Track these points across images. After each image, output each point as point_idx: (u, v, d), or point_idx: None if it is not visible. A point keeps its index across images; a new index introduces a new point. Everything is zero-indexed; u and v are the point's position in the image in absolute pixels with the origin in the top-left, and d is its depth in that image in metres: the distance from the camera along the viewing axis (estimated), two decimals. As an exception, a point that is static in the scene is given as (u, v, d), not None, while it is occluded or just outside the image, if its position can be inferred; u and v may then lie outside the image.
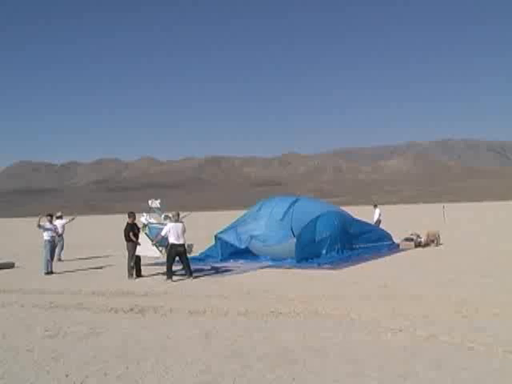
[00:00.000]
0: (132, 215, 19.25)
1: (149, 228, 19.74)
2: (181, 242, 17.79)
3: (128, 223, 19.26)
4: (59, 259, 25.08)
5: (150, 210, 21.07)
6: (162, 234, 18.01)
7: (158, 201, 21.27)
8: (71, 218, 27.60)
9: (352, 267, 19.71)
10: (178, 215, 18.33)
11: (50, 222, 22.20)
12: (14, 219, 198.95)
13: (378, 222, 33.40)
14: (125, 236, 19.23)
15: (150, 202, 21.36)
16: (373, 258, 22.27)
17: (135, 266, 19.03)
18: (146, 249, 18.90)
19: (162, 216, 20.39)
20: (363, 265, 20.40)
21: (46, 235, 21.37)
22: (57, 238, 24.03)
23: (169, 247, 18.10)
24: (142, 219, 20.14)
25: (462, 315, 11.17)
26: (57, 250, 24.80)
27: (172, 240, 17.75)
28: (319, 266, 19.93)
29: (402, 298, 13.13)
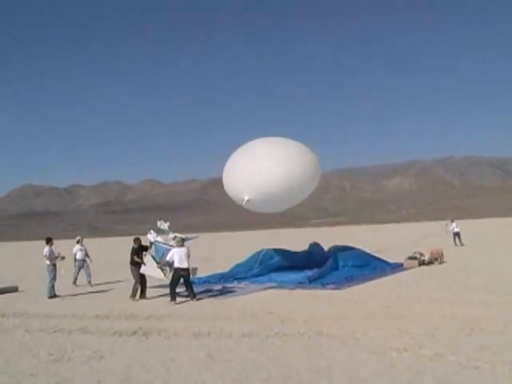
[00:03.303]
0: (138, 241, 19.58)
1: (155, 246, 20.12)
2: (185, 266, 17.94)
3: (133, 247, 19.59)
4: (89, 283, 24.82)
5: (158, 231, 21.22)
6: (167, 258, 18.31)
7: (168, 223, 21.47)
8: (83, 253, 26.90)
9: (356, 287, 19.64)
10: (183, 240, 18.55)
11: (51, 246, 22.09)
12: (18, 243, 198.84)
13: (457, 234, 39.84)
14: (130, 259, 19.53)
15: (158, 223, 21.57)
16: (377, 278, 22.19)
17: (140, 286, 19.27)
18: (151, 269, 19.20)
19: (170, 235, 20.58)
20: (367, 284, 20.33)
21: (48, 260, 21.33)
22: (80, 263, 24.30)
23: (173, 271, 18.25)
24: (149, 236, 20.41)
25: (467, 333, 11.13)
26: (81, 276, 24.84)
27: (176, 264, 17.92)
28: (323, 286, 19.87)
29: (407, 317, 13.09)
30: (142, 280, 19.33)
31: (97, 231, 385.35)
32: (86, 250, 25.59)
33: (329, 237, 66.95)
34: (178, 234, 19.75)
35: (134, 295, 19.09)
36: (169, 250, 18.75)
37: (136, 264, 19.30)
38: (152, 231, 20.68)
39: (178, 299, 17.88)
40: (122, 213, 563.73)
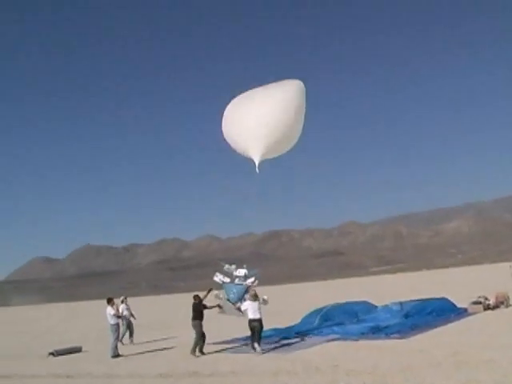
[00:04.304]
0: (197, 297, 20.40)
1: (225, 287, 21.28)
2: (257, 317, 19.12)
3: (195, 303, 20.24)
4: (131, 342, 25.14)
5: (223, 273, 21.94)
6: (242, 309, 19.98)
7: (233, 266, 22.01)
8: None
9: (420, 335, 19.22)
10: (256, 296, 19.62)
11: (113, 306, 22.37)
12: (79, 303, 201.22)
13: None
14: (192, 315, 20.09)
15: (225, 267, 22.06)
16: (441, 325, 21.70)
17: (200, 342, 19.54)
18: (230, 310, 20.95)
19: (235, 273, 21.53)
20: (431, 332, 19.89)
21: (112, 319, 21.59)
22: (124, 321, 24.41)
23: (248, 322, 19.27)
24: (216, 279, 21.51)
25: (539, 380, 10.78)
26: (126, 333, 25.08)
27: (250, 316, 19.23)
28: (387, 335, 19.51)
29: (475, 365, 12.75)
30: (201, 336, 19.64)
31: (155, 289, 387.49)
32: (129, 308, 25.94)
33: (388, 285, 66.04)
34: (241, 270, 21.23)
35: (194, 350, 19.24)
36: (237, 286, 20.68)
37: (198, 319, 19.81)
38: (218, 273, 21.65)
39: (240, 354, 17.84)
40: (180, 269, 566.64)
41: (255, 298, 19.60)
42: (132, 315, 25.91)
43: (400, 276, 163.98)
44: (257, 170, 20.88)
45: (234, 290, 20.86)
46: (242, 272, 21.14)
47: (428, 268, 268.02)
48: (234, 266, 21.91)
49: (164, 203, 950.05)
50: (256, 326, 19.12)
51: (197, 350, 19.31)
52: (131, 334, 25.48)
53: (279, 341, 20.94)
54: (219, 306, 21.00)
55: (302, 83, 22.96)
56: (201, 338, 19.60)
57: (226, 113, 22.72)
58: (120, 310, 25.28)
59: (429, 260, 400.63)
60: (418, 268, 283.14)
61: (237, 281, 20.94)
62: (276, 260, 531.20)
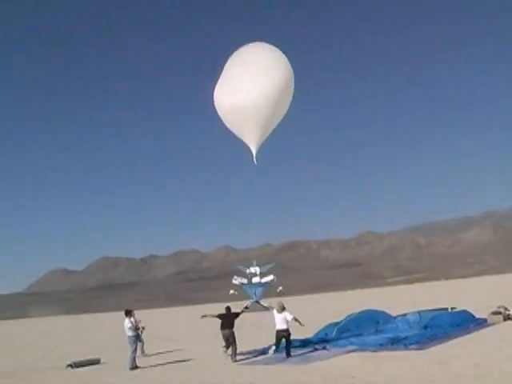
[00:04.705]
0: (229, 309, 21.11)
1: (244, 288, 22.70)
2: (284, 327, 20.03)
3: (226, 314, 20.95)
4: (143, 353, 25.17)
5: (240, 274, 22.60)
6: (276, 321, 20.31)
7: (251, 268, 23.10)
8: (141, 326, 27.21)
9: (439, 346, 19.03)
10: (283, 308, 20.28)
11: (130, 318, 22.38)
12: (97, 314, 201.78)
13: None
14: (225, 323, 20.75)
15: (248, 270, 22.70)
16: (461, 336, 21.49)
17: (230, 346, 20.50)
18: (256, 307, 22.61)
19: (247, 270, 23.02)
20: (451, 343, 19.69)
21: (130, 331, 21.60)
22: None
23: (275, 332, 20.25)
24: (236, 282, 22.03)
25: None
26: (139, 345, 24.98)
27: (277, 326, 20.17)
28: (406, 346, 19.34)
29: (496, 377, 12.59)
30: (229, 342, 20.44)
31: (173, 300, 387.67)
32: (137, 321, 25.86)
33: (406, 295, 65.63)
34: (252, 268, 21.75)
35: (235, 356, 20.20)
36: (256, 286, 21.98)
37: (231, 328, 20.55)
38: (236, 277, 22.30)
39: (257, 366, 17.81)
40: (198, 281, 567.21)
41: (282, 309, 20.26)
42: (138, 328, 25.56)
43: (418, 286, 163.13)
44: (254, 160, 21.36)
45: (254, 291, 22.18)
46: (254, 270, 21.96)
47: (447, 278, 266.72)
48: (250, 269, 22.70)
49: (181, 215, 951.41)
50: (284, 336, 20.02)
51: (226, 350, 20.37)
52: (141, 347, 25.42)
53: (297, 352, 20.88)
54: (246, 308, 22.27)
55: (285, 57, 23.13)
56: (233, 344, 20.31)
57: (219, 90, 22.94)
58: (125, 324, 25.05)
59: (447, 270, 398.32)
60: (436, 278, 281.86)
61: (254, 280, 21.82)
62: (294, 271, 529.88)
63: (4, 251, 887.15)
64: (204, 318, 22.21)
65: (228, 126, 23.05)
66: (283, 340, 20.27)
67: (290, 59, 22.79)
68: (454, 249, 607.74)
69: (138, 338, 22.49)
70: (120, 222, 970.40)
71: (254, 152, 21.90)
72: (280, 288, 21.80)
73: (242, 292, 22.82)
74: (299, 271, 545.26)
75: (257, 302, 22.31)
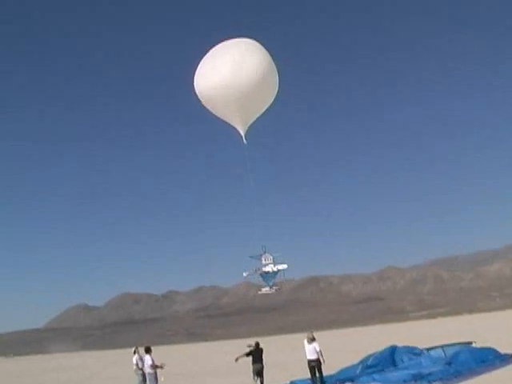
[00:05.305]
0: (257, 344, 21.96)
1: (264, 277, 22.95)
2: (314, 357, 20.91)
3: (256, 349, 21.77)
4: None
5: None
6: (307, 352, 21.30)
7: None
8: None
9: (464, 383, 18.60)
10: (314, 339, 21.25)
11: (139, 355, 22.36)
12: (118, 350, 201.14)
13: None
14: (256, 357, 21.68)
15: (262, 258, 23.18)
16: (485, 372, 21.00)
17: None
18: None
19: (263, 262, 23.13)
20: (476, 380, 19.29)
21: (150, 368, 21.46)
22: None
23: (307, 363, 21.19)
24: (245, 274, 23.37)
25: None
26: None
27: (308, 357, 21.10)
28: (429, 383, 18.97)
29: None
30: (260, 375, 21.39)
31: (194, 336, 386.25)
32: (143, 359, 25.32)
33: (429, 330, 64.77)
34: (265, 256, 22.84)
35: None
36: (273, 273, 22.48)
37: (261, 362, 21.51)
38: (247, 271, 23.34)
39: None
40: (218, 317, 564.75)
41: (312, 340, 21.15)
42: (139, 366, 24.92)
43: (441, 320, 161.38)
44: (244, 140, 21.71)
45: (267, 277, 22.65)
46: (267, 258, 22.39)
47: (470, 312, 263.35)
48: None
49: (201, 250, 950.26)
50: (315, 366, 20.90)
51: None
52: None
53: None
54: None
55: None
56: (261, 376, 21.32)
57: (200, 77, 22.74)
58: (134, 361, 24.41)
59: (471, 304, 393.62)
60: (459, 312, 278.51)
61: (266, 268, 22.55)
62: (315, 306, 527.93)
63: (23, 287, 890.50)
64: (238, 360, 22.07)
65: (210, 108, 23.14)
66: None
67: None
68: (476, 282, 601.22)
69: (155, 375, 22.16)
70: (140, 258, 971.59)
71: (242, 133, 22.40)
72: (284, 265, 22.62)
73: (258, 279, 23.40)
74: (320, 306, 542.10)
75: (270, 287, 22.84)
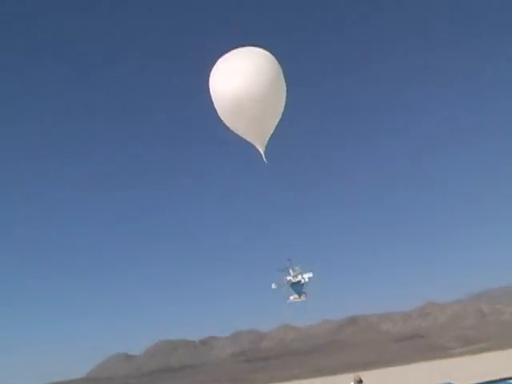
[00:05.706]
0: (357, 376, 22.22)
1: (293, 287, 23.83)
2: None
3: None
4: None
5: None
6: None
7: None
8: None
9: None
10: (361, 382, 21.61)
11: None
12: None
13: None
14: None
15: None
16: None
17: None
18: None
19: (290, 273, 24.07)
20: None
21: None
22: None
23: None
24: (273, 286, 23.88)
25: None
26: None
27: None
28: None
29: None
30: None
31: (235, 382, 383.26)
32: None
33: (472, 366, 63.85)
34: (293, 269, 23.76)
35: None
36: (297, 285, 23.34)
37: None
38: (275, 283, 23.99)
39: None
40: (257, 361, 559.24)
41: (359, 382, 21.55)
42: None
43: (484, 356, 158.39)
44: (264, 159, 22.24)
45: (296, 288, 23.44)
46: (293, 271, 23.55)
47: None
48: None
49: (239, 294, 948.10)
50: None
51: None
52: None
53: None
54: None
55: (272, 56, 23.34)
56: None
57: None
58: None
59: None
60: (503, 347, 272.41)
61: (293, 279, 23.55)
62: (354, 346, 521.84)
63: (63, 337, 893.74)
64: None
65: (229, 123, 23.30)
66: None
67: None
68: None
69: None
70: (176, 304, 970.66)
71: (262, 152, 22.84)
72: (310, 274, 23.57)
73: (287, 289, 24.21)
74: (360, 346, 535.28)
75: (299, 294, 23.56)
